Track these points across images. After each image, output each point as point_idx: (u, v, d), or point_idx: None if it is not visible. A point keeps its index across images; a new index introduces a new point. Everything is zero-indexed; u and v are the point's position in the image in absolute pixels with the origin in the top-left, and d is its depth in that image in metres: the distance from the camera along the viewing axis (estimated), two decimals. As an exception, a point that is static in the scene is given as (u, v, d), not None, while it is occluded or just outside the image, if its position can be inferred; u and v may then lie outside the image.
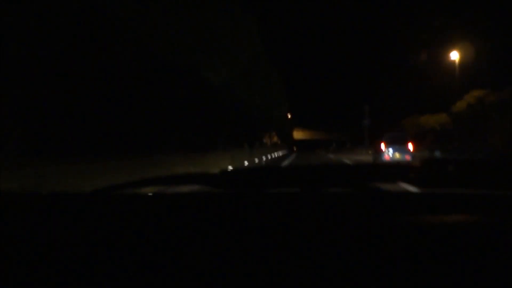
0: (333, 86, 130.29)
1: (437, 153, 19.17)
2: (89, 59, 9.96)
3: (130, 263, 0.53)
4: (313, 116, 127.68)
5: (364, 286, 0.48)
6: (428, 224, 0.62)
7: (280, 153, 37.34)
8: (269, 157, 24.36)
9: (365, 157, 22.20)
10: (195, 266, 0.52)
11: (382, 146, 13.71)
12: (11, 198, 0.92)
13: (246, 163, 16.10)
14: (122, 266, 0.53)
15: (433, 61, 39.30)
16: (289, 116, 62.26)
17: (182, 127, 15.73)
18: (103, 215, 0.75)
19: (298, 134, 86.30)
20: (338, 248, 0.55)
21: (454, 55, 31.58)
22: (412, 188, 0.98)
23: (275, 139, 56.96)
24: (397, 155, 13.43)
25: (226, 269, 0.51)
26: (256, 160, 19.26)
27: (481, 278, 0.48)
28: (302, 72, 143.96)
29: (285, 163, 16.81)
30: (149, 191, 1.10)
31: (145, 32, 11.47)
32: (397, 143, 13.62)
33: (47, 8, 8.43)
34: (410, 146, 13.55)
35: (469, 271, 0.49)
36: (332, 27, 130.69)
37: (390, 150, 13.51)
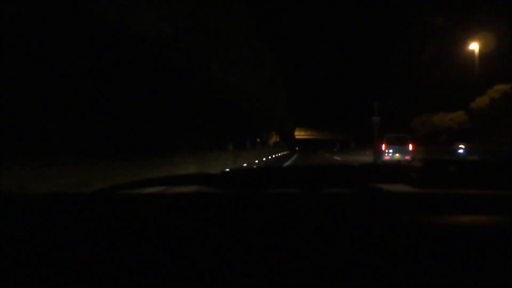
0: (336, 84, 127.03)
1: (476, 157, 15.87)
2: (90, 59, 10.13)
3: (130, 263, 0.55)
4: (316, 115, 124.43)
5: (364, 286, 0.50)
6: (428, 224, 0.64)
7: (279, 154, 34.13)
8: (264, 160, 20.95)
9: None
10: (195, 266, 0.54)
11: (383, 146, 14.38)
12: (11, 198, 0.93)
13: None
14: (122, 266, 0.55)
15: (446, 54, 36.28)
16: (290, 115, 59.24)
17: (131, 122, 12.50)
18: (103, 216, 0.76)
19: (299, 134, 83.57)
20: (338, 248, 0.57)
21: (474, 46, 28.33)
22: (413, 189, 0.95)
23: (275, 138, 53.84)
24: (397, 155, 14.16)
25: (226, 269, 0.53)
26: (245, 166, 16.02)
27: (481, 278, 0.50)
28: (304, 70, 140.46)
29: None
30: (149, 191, 1.08)
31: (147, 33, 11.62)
32: (398, 143, 14.37)
33: (46, 8, 8.67)
34: (410, 147, 14.34)
35: (469, 271, 0.51)
36: (333, 21, 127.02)
37: (391, 150, 14.22)
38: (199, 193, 0.95)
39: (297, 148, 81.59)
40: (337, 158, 27.26)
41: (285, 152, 45.07)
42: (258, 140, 33.50)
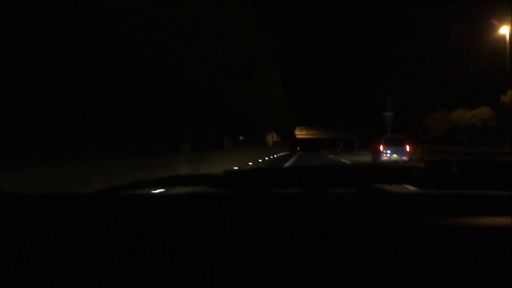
0: (340, 80, 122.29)
1: None
2: (88, 58, 9.56)
3: (130, 263, 0.56)
4: (318, 113, 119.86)
5: (364, 286, 0.51)
6: (430, 224, 0.64)
7: (274, 156, 29.79)
8: (250, 165, 16.64)
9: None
10: (196, 267, 0.55)
11: (381, 147, 14.84)
12: (11, 198, 0.94)
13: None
14: (122, 266, 0.55)
15: (464, 43, 31.79)
16: (291, 112, 54.86)
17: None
18: (104, 216, 0.77)
19: (301, 133, 79.48)
20: (339, 248, 0.57)
21: (504, 30, 23.87)
22: (415, 189, 0.92)
23: (272, 137, 49.42)
24: (395, 156, 14.65)
25: (227, 269, 0.54)
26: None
27: (482, 278, 0.51)
28: (306, 66, 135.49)
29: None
30: (151, 192, 1.07)
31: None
32: (395, 144, 14.87)
33: (46, 7, 8.30)
34: (407, 148, 14.96)
35: (470, 272, 0.52)
36: (337, 12, 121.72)
37: (388, 151, 14.67)
38: (200, 193, 0.94)
39: (298, 148, 77.45)
40: (345, 161, 22.59)
41: (282, 153, 40.66)
42: (241, 138, 27.10)
